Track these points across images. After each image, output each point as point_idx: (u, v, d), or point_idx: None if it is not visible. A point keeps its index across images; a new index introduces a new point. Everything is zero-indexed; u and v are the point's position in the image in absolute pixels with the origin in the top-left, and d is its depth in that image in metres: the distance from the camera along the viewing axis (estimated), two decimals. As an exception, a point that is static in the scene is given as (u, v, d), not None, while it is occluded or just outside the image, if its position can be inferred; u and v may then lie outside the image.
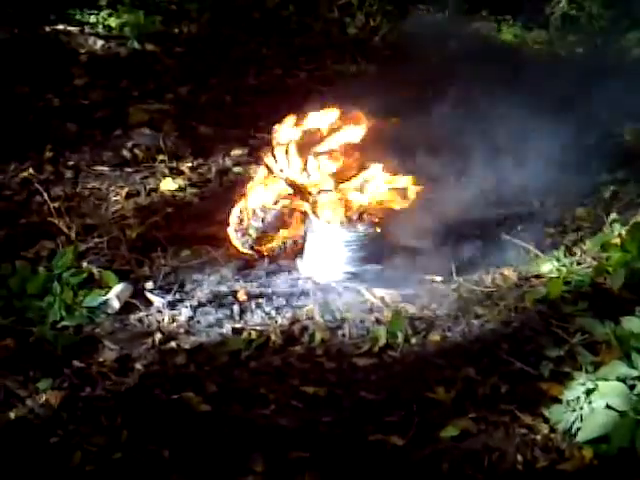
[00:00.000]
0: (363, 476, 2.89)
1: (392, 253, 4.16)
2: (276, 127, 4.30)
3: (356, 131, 4.23)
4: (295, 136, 4.21)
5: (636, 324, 3.53)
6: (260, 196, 4.27)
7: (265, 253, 4.17)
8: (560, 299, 3.92)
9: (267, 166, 4.27)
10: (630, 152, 5.34)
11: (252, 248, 4.19)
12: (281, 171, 4.20)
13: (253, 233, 4.20)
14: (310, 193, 4.14)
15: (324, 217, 4.07)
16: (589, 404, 3.08)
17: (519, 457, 3.00)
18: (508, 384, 3.35)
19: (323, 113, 4.32)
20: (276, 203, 4.23)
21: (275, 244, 4.18)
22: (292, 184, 4.17)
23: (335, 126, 4.26)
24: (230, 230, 4.25)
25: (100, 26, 7.64)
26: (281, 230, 4.20)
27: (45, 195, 4.57)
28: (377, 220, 4.11)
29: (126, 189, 4.84)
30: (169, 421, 3.09)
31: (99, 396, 3.22)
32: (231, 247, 4.24)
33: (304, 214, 4.19)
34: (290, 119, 4.29)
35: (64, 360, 3.41)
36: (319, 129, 4.26)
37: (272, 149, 4.26)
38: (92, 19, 7.72)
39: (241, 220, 4.23)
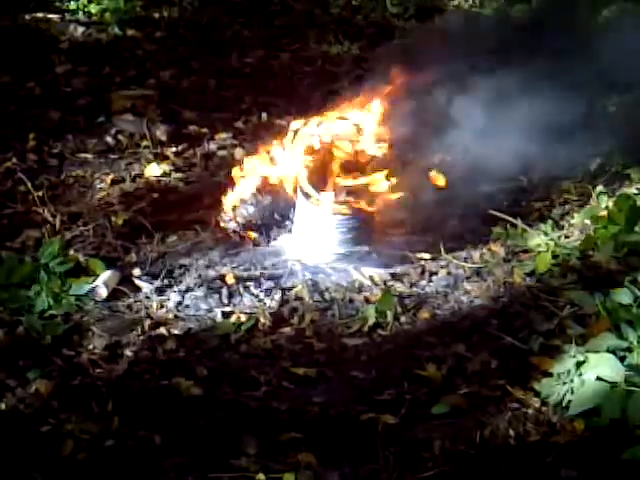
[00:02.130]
0: (356, 455, 2.89)
1: (380, 233, 4.15)
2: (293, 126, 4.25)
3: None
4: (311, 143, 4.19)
5: (625, 295, 3.54)
6: (250, 184, 4.25)
7: (251, 239, 4.15)
8: (549, 273, 3.94)
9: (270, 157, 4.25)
10: (615, 123, 5.32)
11: (238, 233, 4.17)
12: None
13: (241, 220, 4.19)
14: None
15: (313, 198, 4.05)
16: (579, 376, 3.09)
17: (511, 432, 3.01)
18: (498, 359, 3.36)
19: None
20: (265, 192, 4.23)
21: (258, 233, 4.17)
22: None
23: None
24: (221, 214, 4.24)
25: (80, 13, 7.57)
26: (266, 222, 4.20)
27: (29, 184, 4.54)
28: (365, 201, 4.09)
29: (111, 176, 4.81)
30: (160, 406, 3.09)
31: (89, 384, 3.22)
32: (218, 230, 4.23)
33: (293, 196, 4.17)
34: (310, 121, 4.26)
35: (53, 349, 3.40)
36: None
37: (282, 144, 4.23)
38: (72, 6, 7.65)
39: (232, 206, 4.22)
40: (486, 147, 4.49)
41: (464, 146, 4.58)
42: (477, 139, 4.50)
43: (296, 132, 4.21)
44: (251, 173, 4.30)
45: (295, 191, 4.13)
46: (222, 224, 4.23)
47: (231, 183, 4.33)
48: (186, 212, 4.41)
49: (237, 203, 4.23)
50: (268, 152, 4.30)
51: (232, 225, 4.20)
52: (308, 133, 4.19)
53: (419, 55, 5.02)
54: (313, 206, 4.03)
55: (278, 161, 4.24)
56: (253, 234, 4.17)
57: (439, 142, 4.56)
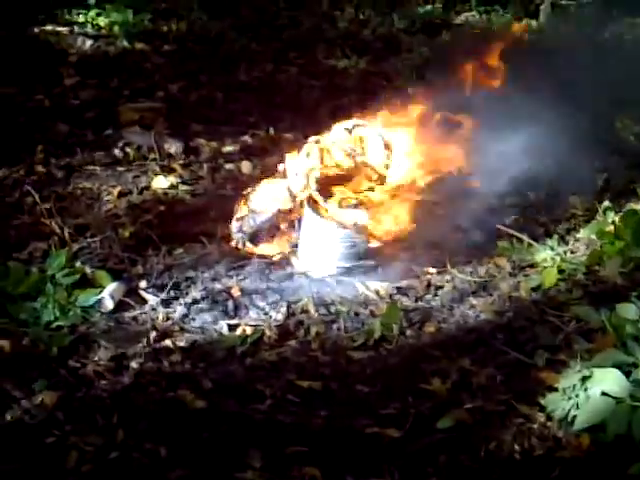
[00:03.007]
0: (360, 469, 2.89)
1: (386, 247, 4.15)
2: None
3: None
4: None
5: (631, 311, 3.52)
6: (262, 196, 4.27)
7: (254, 252, 4.16)
8: (555, 288, 3.93)
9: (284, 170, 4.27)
10: (622, 139, 5.34)
11: (245, 245, 4.18)
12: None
13: (247, 230, 4.20)
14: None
15: (319, 212, 4.06)
16: (585, 391, 3.07)
17: (516, 446, 2.99)
18: (504, 374, 3.35)
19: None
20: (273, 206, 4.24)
21: (264, 246, 4.17)
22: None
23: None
24: (231, 224, 4.25)
25: (89, 25, 7.65)
26: (275, 236, 4.20)
27: (37, 196, 4.55)
28: (370, 215, 4.10)
29: (118, 188, 4.83)
30: (165, 419, 3.08)
31: (95, 395, 3.21)
32: (225, 243, 4.24)
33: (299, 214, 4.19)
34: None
35: (59, 360, 3.39)
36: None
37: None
38: (81, 19, 7.73)
39: (241, 217, 4.23)
40: (493, 162, 4.50)
41: (472, 160, 4.58)
42: (484, 154, 4.50)
43: (314, 143, 4.22)
44: (263, 184, 4.32)
45: (302, 204, 4.14)
46: (230, 234, 4.23)
47: (240, 195, 4.33)
48: (193, 225, 4.42)
49: (245, 213, 4.23)
50: (282, 163, 4.31)
51: (239, 236, 4.21)
52: (326, 144, 4.21)
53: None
54: (320, 219, 4.03)
55: (290, 173, 4.24)
56: (259, 246, 4.17)
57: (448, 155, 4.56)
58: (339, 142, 4.22)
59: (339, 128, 4.27)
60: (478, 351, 3.51)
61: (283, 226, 4.22)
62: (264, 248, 4.18)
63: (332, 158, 4.22)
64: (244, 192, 4.37)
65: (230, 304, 3.79)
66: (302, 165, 4.19)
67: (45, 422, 3.05)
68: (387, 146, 4.22)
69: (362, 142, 4.24)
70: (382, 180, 4.21)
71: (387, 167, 4.20)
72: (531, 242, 4.25)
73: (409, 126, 4.43)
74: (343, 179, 4.22)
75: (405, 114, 4.51)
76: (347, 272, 4.02)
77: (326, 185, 4.16)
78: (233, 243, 4.22)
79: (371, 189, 4.19)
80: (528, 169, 4.44)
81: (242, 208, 4.28)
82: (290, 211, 4.21)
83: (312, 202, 4.08)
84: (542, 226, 4.46)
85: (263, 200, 4.27)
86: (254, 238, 4.20)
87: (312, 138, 4.29)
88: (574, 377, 3.14)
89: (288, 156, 4.30)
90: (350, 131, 4.25)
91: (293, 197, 4.20)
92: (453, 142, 4.50)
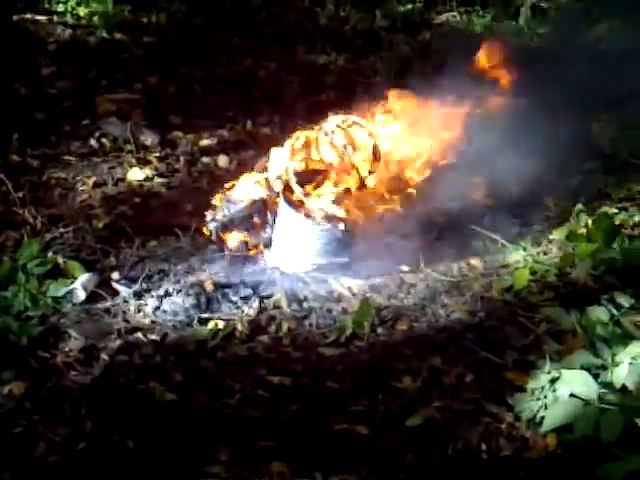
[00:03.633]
0: (329, 465, 2.89)
1: (360, 244, 4.15)
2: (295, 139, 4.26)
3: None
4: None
5: (601, 313, 3.56)
6: (239, 187, 4.26)
7: (227, 244, 4.15)
8: (526, 289, 3.94)
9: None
10: (596, 142, 5.36)
11: (217, 235, 4.17)
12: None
13: (221, 219, 4.18)
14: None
15: (294, 208, 4.05)
16: (553, 392, 3.10)
17: (483, 446, 3.01)
18: (473, 373, 3.37)
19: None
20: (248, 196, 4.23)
21: (238, 239, 4.16)
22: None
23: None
24: (204, 213, 4.24)
25: (68, 15, 7.60)
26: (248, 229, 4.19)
27: (10, 185, 4.52)
28: (346, 212, 4.09)
29: (93, 179, 4.81)
30: (134, 411, 3.08)
31: (64, 386, 3.20)
32: (199, 237, 4.23)
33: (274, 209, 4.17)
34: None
35: (29, 350, 3.38)
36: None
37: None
38: (60, 8, 7.68)
39: (215, 206, 4.22)
40: (468, 162, 4.52)
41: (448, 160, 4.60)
42: (461, 154, 4.52)
43: (299, 137, 4.22)
44: (243, 176, 4.32)
45: (278, 196, 4.13)
46: (204, 223, 4.22)
47: (217, 188, 4.32)
48: (167, 217, 4.41)
49: (220, 202, 4.22)
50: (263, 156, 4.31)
51: (213, 225, 4.19)
52: (315, 136, 4.21)
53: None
54: (295, 214, 4.03)
55: (272, 164, 4.23)
56: (232, 237, 4.16)
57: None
58: (331, 136, 4.20)
59: (333, 121, 4.25)
60: (449, 350, 3.52)
61: (257, 219, 4.19)
62: (235, 238, 4.15)
63: (318, 152, 4.20)
64: (224, 184, 4.36)
65: (202, 298, 3.78)
66: (285, 157, 4.17)
67: (13, 412, 3.04)
68: (375, 151, 4.21)
69: (352, 141, 4.22)
70: (362, 183, 4.19)
71: (370, 173, 4.19)
72: (504, 243, 4.26)
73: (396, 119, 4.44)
74: (324, 175, 4.21)
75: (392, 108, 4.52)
76: (321, 268, 4.01)
77: (306, 179, 4.14)
78: (205, 230, 4.21)
79: (349, 189, 4.18)
80: (503, 170, 4.45)
81: (218, 198, 4.27)
82: (265, 202, 4.19)
83: (288, 196, 4.07)
84: (515, 227, 4.47)
85: (239, 191, 4.26)
86: (226, 227, 4.18)
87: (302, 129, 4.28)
88: (543, 378, 3.17)
89: (274, 149, 4.28)
90: (344, 128, 4.23)
91: (270, 189, 4.19)
92: (433, 138, 4.51)
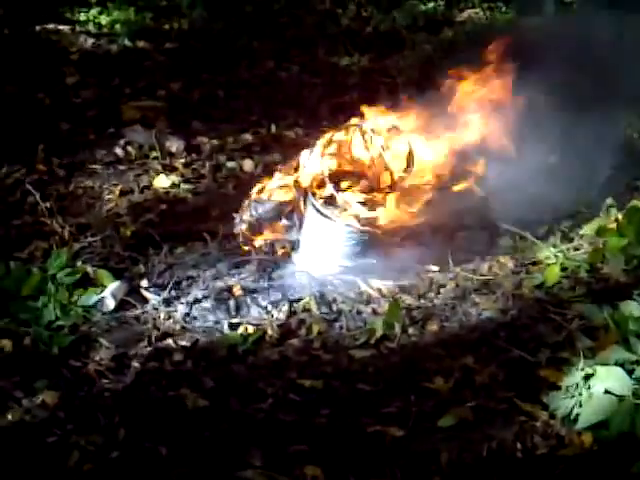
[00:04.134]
0: (363, 468, 2.88)
1: (389, 245, 4.14)
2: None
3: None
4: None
5: (634, 308, 3.52)
6: (269, 187, 4.27)
7: (255, 246, 4.14)
8: (557, 285, 3.92)
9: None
10: (627, 137, 5.32)
11: (245, 236, 4.16)
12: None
13: (248, 218, 4.18)
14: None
15: (322, 210, 4.04)
16: (588, 389, 3.07)
17: (518, 445, 2.99)
18: (506, 372, 3.34)
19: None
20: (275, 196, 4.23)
21: (265, 240, 4.15)
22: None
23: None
24: (235, 215, 4.25)
25: (91, 24, 7.64)
26: (274, 227, 4.18)
27: (38, 195, 4.55)
28: (374, 213, 4.08)
29: (120, 187, 4.82)
30: (166, 418, 3.08)
31: (96, 395, 3.21)
32: (226, 242, 4.23)
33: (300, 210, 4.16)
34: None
35: (60, 360, 3.40)
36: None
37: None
38: (82, 17, 7.72)
39: (244, 207, 4.23)
40: (496, 159, 4.48)
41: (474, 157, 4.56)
42: (488, 152, 4.49)
43: (331, 137, 4.20)
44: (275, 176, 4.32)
45: (307, 197, 4.12)
46: (232, 227, 4.22)
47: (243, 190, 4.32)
48: (194, 223, 4.41)
49: (248, 203, 4.22)
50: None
51: (241, 227, 4.19)
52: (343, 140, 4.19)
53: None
54: (323, 216, 4.01)
55: (301, 166, 4.22)
56: (260, 239, 4.15)
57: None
58: (368, 137, 4.18)
59: (369, 123, 4.22)
60: (481, 349, 3.50)
61: (285, 220, 4.18)
62: (263, 239, 4.14)
63: (351, 153, 4.18)
64: (251, 187, 4.35)
65: (232, 303, 3.78)
66: (317, 157, 4.16)
67: (46, 422, 3.06)
68: (410, 158, 4.18)
69: (388, 145, 4.20)
70: (394, 188, 4.16)
71: (402, 179, 4.15)
72: (534, 240, 4.23)
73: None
74: (356, 176, 4.19)
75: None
76: (349, 270, 4.00)
77: (337, 180, 4.12)
78: (235, 230, 4.20)
79: (379, 191, 4.15)
80: (531, 166, 4.41)
81: (247, 200, 4.26)
82: (293, 204, 4.17)
83: (316, 198, 4.05)
84: (545, 223, 4.43)
85: (267, 192, 4.25)
86: (254, 228, 4.17)
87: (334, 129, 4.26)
88: (577, 375, 3.14)
89: (303, 151, 4.26)
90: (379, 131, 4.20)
91: (299, 191, 4.17)
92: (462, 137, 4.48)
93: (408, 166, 4.15)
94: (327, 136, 4.22)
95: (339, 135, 4.20)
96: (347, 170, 4.18)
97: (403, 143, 4.17)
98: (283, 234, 4.18)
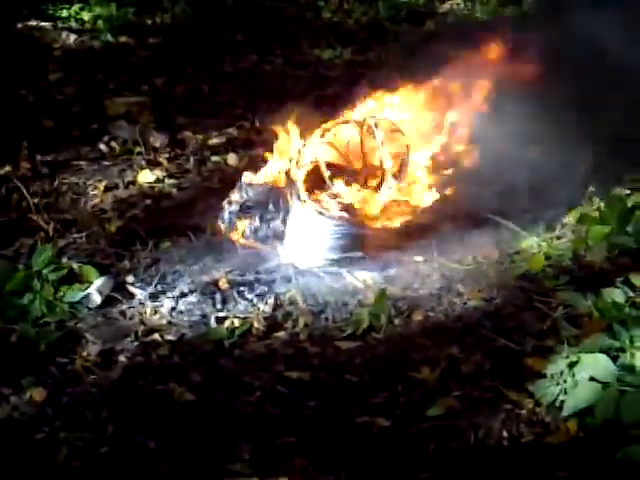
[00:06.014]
0: (351, 459, 2.90)
1: (374, 237, 4.15)
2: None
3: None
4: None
5: (617, 295, 3.56)
6: (258, 173, 4.30)
7: (240, 232, 4.15)
8: (541, 274, 3.94)
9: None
10: (607, 125, 5.32)
11: (231, 222, 4.17)
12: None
13: (236, 202, 4.18)
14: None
15: (307, 203, 4.05)
16: (573, 377, 3.09)
17: (505, 433, 3.01)
18: (492, 361, 3.36)
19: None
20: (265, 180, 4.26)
21: (250, 225, 4.15)
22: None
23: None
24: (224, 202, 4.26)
25: (73, 20, 7.62)
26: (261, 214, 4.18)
27: (24, 191, 4.54)
28: (359, 206, 4.09)
29: (104, 183, 4.82)
30: (154, 412, 3.09)
31: (84, 391, 3.22)
32: (212, 236, 4.23)
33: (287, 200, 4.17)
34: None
35: (47, 356, 3.40)
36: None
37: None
38: (64, 13, 7.70)
39: (233, 192, 4.25)
40: (479, 149, 4.50)
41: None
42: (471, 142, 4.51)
43: (327, 129, 4.20)
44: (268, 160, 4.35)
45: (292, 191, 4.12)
46: (219, 215, 4.23)
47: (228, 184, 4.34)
48: (179, 218, 4.42)
49: (240, 184, 4.24)
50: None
51: (228, 212, 4.19)
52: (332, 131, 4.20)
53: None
54: (308, 209, 4.02)
55: (291, 156, 4.23)
56: (245, 225, 4.15)
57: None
58: (368, 131, 4.18)
59: (370, 117, 4.22)
60: (466, 339, 3.52)
61: (272, 206, 4.17)
62: (248, 225, 4.15)
63: (348, 146, 4.19)
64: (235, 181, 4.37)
65: (218, 296, 3.79)
66: (312, 148, 4.16)
67: (34, 418, 3.06)
68: (404, 160, 4.19)
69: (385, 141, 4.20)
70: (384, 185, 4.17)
71: (395, 177, 4.16)
72: (517, 229, 4.25)
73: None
74: (347, 170, 4.20)
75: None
76: (334, 263, 4.01)
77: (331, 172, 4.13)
78: (220, 221, 4.21)
79: (370, 188, 4.16)
80: (514, 155, 4.43)
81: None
82: (280, 191, 4.18)
83: (302, 190, 4.06)
84: (528, 213, 4.44)
85: (259, 176, 4.27)
86: (241, 212, 4.17)
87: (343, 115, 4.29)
88: (562, 363, 3.16)
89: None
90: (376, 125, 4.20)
91: (288, 180, 4.17)
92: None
93: (400, 172, 4.16)
94: (323, 128, 4.22)
95: (346, 127, 4.21)
96: (340, 163, 4.21)
97: (401, 146, 4.19)
98: (268, 221, 4.17)
